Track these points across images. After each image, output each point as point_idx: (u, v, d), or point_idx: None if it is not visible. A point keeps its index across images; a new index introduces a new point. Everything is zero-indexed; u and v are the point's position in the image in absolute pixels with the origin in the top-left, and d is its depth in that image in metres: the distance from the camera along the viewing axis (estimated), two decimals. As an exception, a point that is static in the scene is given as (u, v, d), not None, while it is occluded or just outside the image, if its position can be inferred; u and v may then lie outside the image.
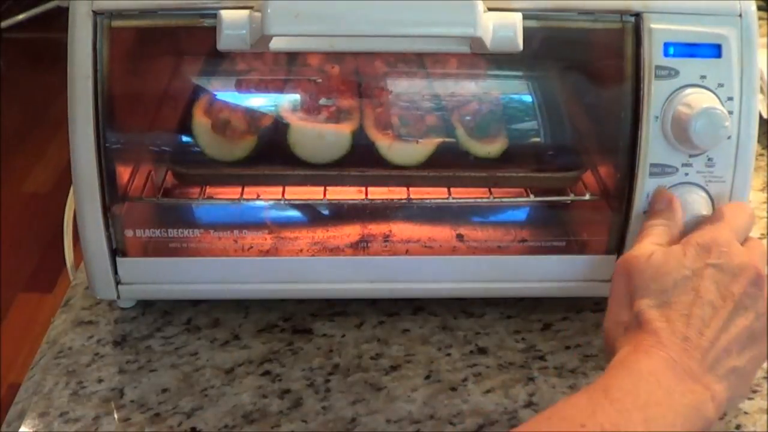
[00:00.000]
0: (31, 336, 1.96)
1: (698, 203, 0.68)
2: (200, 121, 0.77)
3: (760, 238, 0.85)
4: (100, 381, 0.71)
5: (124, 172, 0.73)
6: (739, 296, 0.59)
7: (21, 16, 3.24)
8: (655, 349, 0.56)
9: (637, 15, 0.68)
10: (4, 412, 0.69)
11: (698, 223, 0.66)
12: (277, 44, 0.67)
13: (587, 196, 0.76)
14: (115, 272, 0.73)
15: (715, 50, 0.67)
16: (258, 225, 0.77)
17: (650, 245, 0.63)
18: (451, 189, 0.77)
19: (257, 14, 0.64)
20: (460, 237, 0.78)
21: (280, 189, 0.77)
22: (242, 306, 0.78)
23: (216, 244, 0.75)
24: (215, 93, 0.79)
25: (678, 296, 0.59)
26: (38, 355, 0.74)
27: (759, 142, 0.78)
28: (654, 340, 0.56)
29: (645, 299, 0.59)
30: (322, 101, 0.77)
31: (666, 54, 0.67)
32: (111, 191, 0.70)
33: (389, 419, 0.67)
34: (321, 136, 0.77)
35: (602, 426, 0.51)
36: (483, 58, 0.77)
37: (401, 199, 0.77)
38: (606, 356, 0.61)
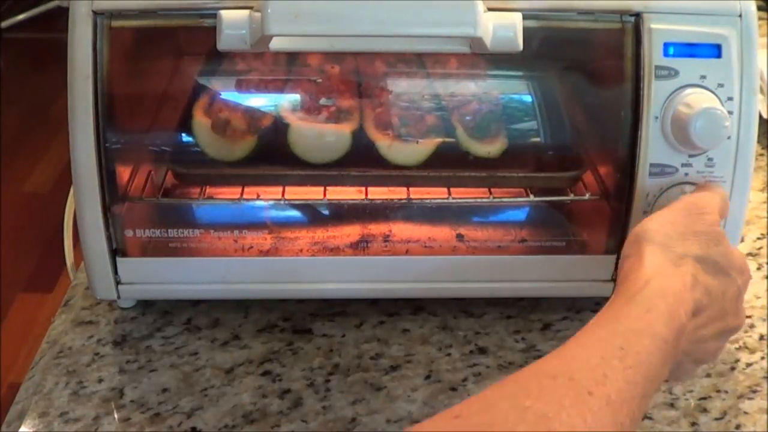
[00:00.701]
0: (31, 336, 1.96)
1: (698, 203, 0.68)
2: (200, 121, 0.77)
3: (759, 238, 0.85)
4: (100, 381, 0.71)
5: (124, 172, 0.73)
6: (726, 328, 0.60)
7: (21, 16, 3.24)
8: (679, 308, 0.55)
9: (637, 15, 0.68)
10: (4, 412, 0.69)
11: None
12: (277, 44, 0.67)
13: (587, 196, 0.76)
14: (115, 272, 0.73)
15: (715, 50, 0.67)
16: (258, 225, 0.77)
17: (717, 213, 0.63)
18: (451, 189, 0.77)
19: (257, 14, 0.64)
20: (460, 237, 0.78)
21: (280, 189, 0.77)
22: (242, 306, 0.78)
23: (216, 244, 0.75)
24: (215, 93, 0.79)
25: (716, 280, 0.59)
26: (38, 355, 0.74)
27: (759, 142, 0.78)
28: (680, 297, 0.56)
29: (700, 253, 0.58)
30: (322, 101, 0.77)
31: (666, 54, 0.67)
32: (111, 191, 0.70)
33: (389, 419, 0.67)
34: (321, 136, 0.77)
35: (608, 396, 0.49)
36: (483, 58, 0.77)
37: (401, 199, 0.77)
38: (627, 249, 0.60)
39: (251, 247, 0.76)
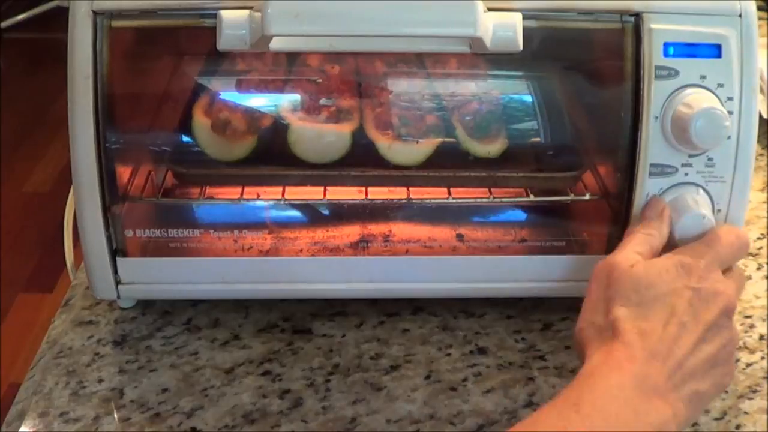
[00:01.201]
0: (31, 336, 1.96)
1: (698, 203, 0.68)
2: (200, 121, 0.77)
3: (759, 238, 0.85)
4: (100, 381, 0.71)
5: (124, 172, 0.73)
6: (709, 323, 0.59)
7: (21, 16, 3.24)
8: (626, 363, 0.56)
9: (637, 15, 0.67)
10: (4, 412, 0.69)
11: (695, 231, 0.66)
12: (277, 44, 0.67)
13: (587, 196, 0.76)
14: (115, 272, 0.73)
15: (715, 50, 0.67)
16: (258, 225, 0.77)
17: (632, 253, 0.63)
18: (451, 189, 0.77)
19: (257, 14, 0.64)
20: (460, 237, 0.78)
21: (280, 189, 0.77)
22: (242, 306, 0.78)
23: (216, 244, 0.75)
24: (215, 93, 0.79)
25: (655, 311, 0.59)
26: (38, 355, 0.74)
27: (759, 142, 0.78)
28: (626, 353, 0.56)
29: (623, 308, 0.59)
30: (322, 101, 0.77)
31: (666, 54, 0.67)
32: (111, 191, 0.70)
33: (389, 419, 0.67)
34: (321, 136, 0.77)
35: None
36: (483, 58, 0.77)
37: (401, 199, 0.77)
38: (577, 355, 0.61)
39: (251, 247, 0.76)
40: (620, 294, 0.60)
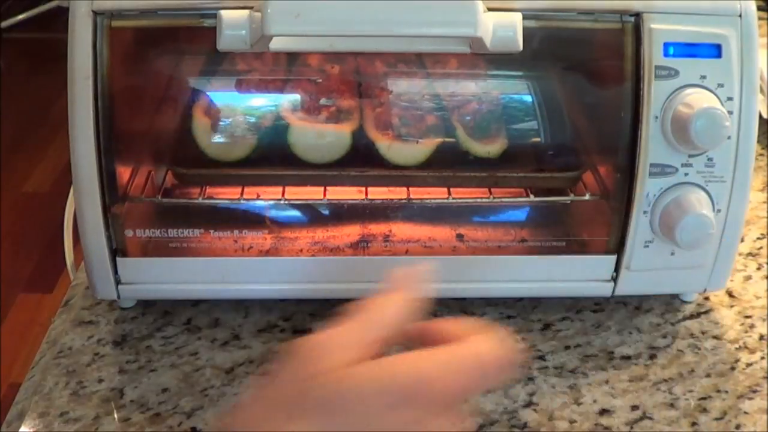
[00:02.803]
0: (31, 336, 1.96)
1: (698, 203, 0.68)
2: (200, 121, 0.77)
3: (759, 238, 0.85)
4: (100, 381, 0.71)
5: (124, 172, 0.73)
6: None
7: (21, 16, 3.24)
8: None
9: (637, 15, 0.68)
10: (4, 412, 0.69)
11: (695, 231, 0.64)
12: (277, 44, 0.67)
13: (587, 196, 0.76)
14: (115, 272, 0.73)
15: (715, 50, 0.67)
16: (258, 225, 0.77)
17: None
18: (451, 189, 0.77)
19: (257, 14, 0.64)
20: (460, 237, 0.78)
21: (280, 189, 0.77)
22: (242, 306, 0.78)
23: (216, 244, 0.75)
24: (215, 93, 0.79)
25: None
26: (38, 355, 0.74)
27: (759, 142, 0.78)
28: None
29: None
30: (322, 101, 0.77)
31: (666, 54, 0.67)
32: (111, 191, 0.70)
33: (389, 419, 0.67)
34: (321, 136, 0.77)
35: None
36: (483, 58, 0.77)
37: (401, 199, 0.77)
38: None
39: (251, 247, 0.76)
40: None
